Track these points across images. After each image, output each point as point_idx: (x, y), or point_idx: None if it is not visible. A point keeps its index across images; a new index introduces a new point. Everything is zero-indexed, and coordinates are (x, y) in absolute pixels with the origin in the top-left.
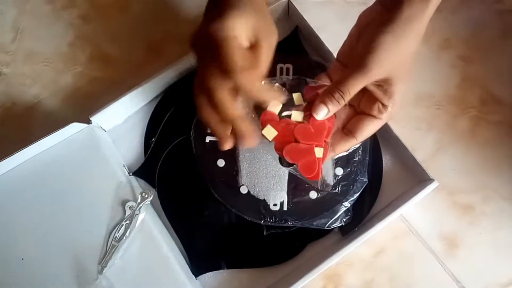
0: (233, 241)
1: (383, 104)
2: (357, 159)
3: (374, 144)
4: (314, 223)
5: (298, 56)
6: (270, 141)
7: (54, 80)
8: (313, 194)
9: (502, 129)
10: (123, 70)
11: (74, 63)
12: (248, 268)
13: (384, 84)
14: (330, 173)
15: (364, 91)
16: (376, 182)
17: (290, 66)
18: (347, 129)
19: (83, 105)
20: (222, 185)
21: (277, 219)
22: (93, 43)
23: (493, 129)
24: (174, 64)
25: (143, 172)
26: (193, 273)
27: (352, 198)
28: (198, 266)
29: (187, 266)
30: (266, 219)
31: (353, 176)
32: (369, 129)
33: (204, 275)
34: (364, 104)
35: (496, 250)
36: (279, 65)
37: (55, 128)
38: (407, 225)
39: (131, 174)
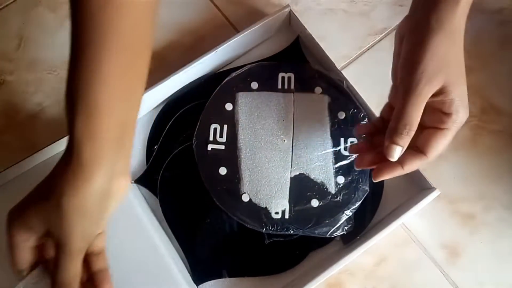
0: (234, 250)
1: (445, 113)
2: (358, 169)
3: None
4: (316, 231)
5: (300, 65)
6: None
7: (58, 88)
8: (314, 203)
9: (503, 138)
10: None
11: None
12: (249, 276)
13: (440, 95)
14: (331, 181)
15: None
16: (378, 190)
17: (292, 75)
18: (416, 146)
19: None
20: (223, 193)
21: (279, 227)
22: None
23: (493, 138)
24: (177, 72)
25: (144, 180)
26: (194, 282)
27: (354, 207)
28: (199, 274)
29: (188, 274)
30: (267, 227)
31: (354, 184)
32: (439, 142)
33: (205, 283)
34: (428, 118)
35: (497, 259)
36: (281, 74)
37: (58, 136)
38: (409, 234)
39: (132, 182)
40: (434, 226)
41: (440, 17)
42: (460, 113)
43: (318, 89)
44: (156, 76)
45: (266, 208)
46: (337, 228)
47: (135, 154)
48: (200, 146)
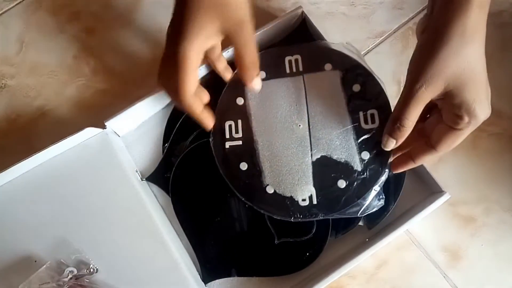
0: (244, 249)
1: (456, 115)
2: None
3: None
4: (346, 212)
5: (305, 45)
6: None
7: (59, 92)
8: (341, 183)
9: (503, 140)
10: (128, 82)
11: (78, 75)
12: (258, 276)
13: (447, 98)
14: (356, 158)
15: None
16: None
17: (299, 57)
18: (428, 140)
19: (87, 117)
20: (247, 188)
21: (307, 214)
22: (97, 56)
23: (493, 140)
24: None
25: (156, 177)
26: (203, 280)
27: (382, 181)
28: (208, 272)
29: (197, 273)
30: (296, 215)
31: (380, 158)
32: (450, 140)
33: (212, 282)
34: (445, 116)
35: (498, 262)
36: (287, 58)
37: (58, 140)
38: (409, 237)
39: (143, 179)
40: (435, 229)
41: (450, 16)
42: (473, 114)
43: (328, 66)
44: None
45: (291, 197)
46: (368, 206)
47: (146, 153)
48: (217, 145)
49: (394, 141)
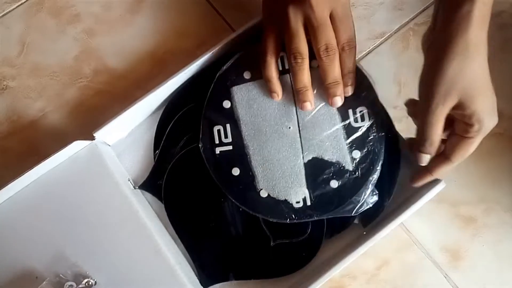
0: (240, 252)
1: (468, 124)
2: (372, 137)
3: (387, 120)
4: (341, 211)
5: None
6: None
7: (60, 93)
8: (334, 183)
9: (503, 141)
10: (128, 83)
11: (79, 77)
12: (256, 279)
13: (458, 109)
14: (347, 158)
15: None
16: (395, 159)
17: (284, 54)
18: (443, 152)
19: (88, 118)
20: (241, 193)
21: (302, 216)
22: (98, 57)
23: (494, 141)
24: (175, 75)
25: (149, 185)
26: (201, 285)
27: (375, 178)
28: (206, 278)
29: (195, 277)
30: (291, 217)
31: (371, 156)
32: (464, 150)
33: (211, 286)
34: (457, 126)
35: (499, 262)
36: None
37: (60, 141)
38: (410, 237)
39: (136, 187)
40: (435, 229)
41: (453, 34)
42: (483, 122)
43: (314, 63)
44: (158, 81)
45: (286, 200)
46: (362, 204)
47: (137, 160)
48: (207, 151)
49: (429, 156)
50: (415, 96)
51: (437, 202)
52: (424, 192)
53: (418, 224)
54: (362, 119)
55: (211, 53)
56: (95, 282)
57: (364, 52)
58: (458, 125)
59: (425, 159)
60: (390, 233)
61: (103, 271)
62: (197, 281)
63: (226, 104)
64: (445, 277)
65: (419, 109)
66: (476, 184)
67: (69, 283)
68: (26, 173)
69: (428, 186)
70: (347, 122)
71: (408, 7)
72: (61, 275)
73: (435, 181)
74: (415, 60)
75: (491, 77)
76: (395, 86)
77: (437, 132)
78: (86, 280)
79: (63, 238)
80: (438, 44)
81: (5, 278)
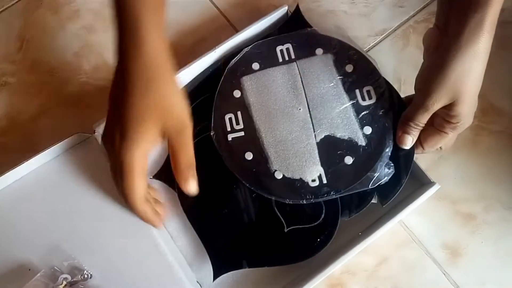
0: (254, 240)
1: (447, 121)
2: (381, 113)
3: (396, 96)
4: (358, 186)
5: (294, 34)
6: None
7: (60, 89)
8: (348, 160)
9: (503, 138)
10: None
11: (79, 73)
12: (269, 266)
13: (446, 108)
14: (359, 134)
15: None
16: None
17: (289, 45)
18: (417, 138)
19: (87, 114)
20: (255, 177)
21: (319, 194)
22: (97, 53)
23: (494, 138)
24: (187, 66)
25: (162, 175)
26: (215, 273)
27: (389, 151)
28: (219, 266)
29: (192, 274)
30: (307, 196)
31: (382, 130)
32: (436, 141)
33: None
34: (436, 119)
35: (498, 259)
36: (279, 47)
37: (60, 137)
38: (409, 234)
39: (151, 177)
40: (435, 226)
41: (464, 40)
42: (463, 123)
43: (319, 50)
44: None
45: (301, 179)
46: (378, 178)
47: (153, 150)
48: (220, 139)
49: (412, 138)
50: None
51: (437, 199)
52: (422, 191)
53: (418, 221)
54: (370, 97)
55: (212, 52)
56: (91, 275)
57: (365, 49)
58: (439, 120)
59: (410, 140)
60: (390, 230)
61: (99, 264)
62: (195, 278)
63: (237, 93)
64: (444, 274)
65: (414, 100)
66: (476, 181)
67: (64, 275)
68: (24, 164)
69: (425, 187)
70: (354, 101)
71: (408, 5)
72: (55, 268)
73: (431, 183)
74: (415, 57)
75: (490, 74)
76: (395, 83)
77: (423, 121)
78: (81, 273)
79: (59, 230)
80: (449, 47)
81: None
